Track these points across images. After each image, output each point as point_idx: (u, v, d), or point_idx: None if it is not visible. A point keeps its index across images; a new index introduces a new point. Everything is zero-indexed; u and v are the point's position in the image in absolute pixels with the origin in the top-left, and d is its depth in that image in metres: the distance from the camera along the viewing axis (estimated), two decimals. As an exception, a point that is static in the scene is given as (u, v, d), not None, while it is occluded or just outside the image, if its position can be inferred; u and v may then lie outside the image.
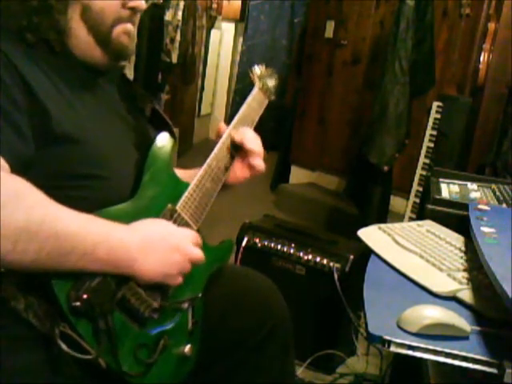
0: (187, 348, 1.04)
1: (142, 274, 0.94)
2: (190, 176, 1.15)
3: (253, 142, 1.18)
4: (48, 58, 0.99)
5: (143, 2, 1.06)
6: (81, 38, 1.01)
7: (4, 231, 0.80)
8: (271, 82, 1.32)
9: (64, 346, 0.87)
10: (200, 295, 1.10)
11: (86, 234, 0.88)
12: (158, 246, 0.96)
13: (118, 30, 1.04)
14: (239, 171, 1.21)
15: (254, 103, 1.28)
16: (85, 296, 0.88)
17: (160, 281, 0.98)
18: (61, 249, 0.85)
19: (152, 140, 1.08)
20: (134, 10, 1.05)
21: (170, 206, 1.05)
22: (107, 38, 1.03)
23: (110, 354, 0.90)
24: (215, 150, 1.17)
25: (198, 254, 1.03)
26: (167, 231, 1.00)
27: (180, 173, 1.15)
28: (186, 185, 1.10)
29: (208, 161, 1.15)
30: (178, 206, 1.07)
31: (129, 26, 1.05)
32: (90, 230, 0.89)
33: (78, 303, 0.87)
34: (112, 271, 0.91)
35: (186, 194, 1.09)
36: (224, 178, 1.18)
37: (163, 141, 1.09)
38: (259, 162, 1.18)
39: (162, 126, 1.14)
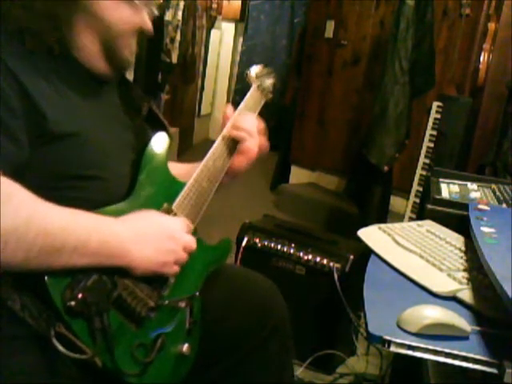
0: (185, 347, 1.04)
1: (137, 263, 0.94)
2: (187, 171, 1.15)
3: (244, 123, 1.19)
4: (47, 59, 0.98)
5: (151, 25, 1.08)
6: (87, 47, 1.02)
7: None
8: (268, 81, 1.33)
9: (59, 346, 0.87)
10: (197, 294, 1.10)
11: (75, 228, 0.87)
12: (150, 233, 0.96)
13: (124, 45, 1.05)
14: (234, 161, 1.21)
15: (251, 102, 1.29)
16: (80, 295, 0.88)
17: (156, 270, 0.97)
18: (51, 246, 0.85)
19: (149, 139, 1.08)
20: (142, 31, 1.07)
21: (165, 205, 1.05)
22: (114, 51, 1.04)
23: (106, 354, 0.90)
24: (212, 149, 1.17)
25: (191, 240, 1.02)
26: (158, 220, 1.00)
27: (176, 168, 1.15)
28: (182, 184, 1.11)
29: (204, 160, 1.15)
30: (174, 206, 1.07)
31: (133, 43, 1.07)
32: (78, 223, 0.88)
33: (72, 302, 0.87)
34: (106, 264, 0.91)
35: (182, 193, 1.09)
36: (221, 178, 1.18)
37: (159, 141, 1.09)
38: (251, 143, 1.19)
39: (158, 126, 1.14)
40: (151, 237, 0.96)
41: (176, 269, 1.00)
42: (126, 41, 1.05)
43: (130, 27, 1.04)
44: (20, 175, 0.87)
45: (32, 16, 0.96)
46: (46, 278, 0.87)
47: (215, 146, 1.18)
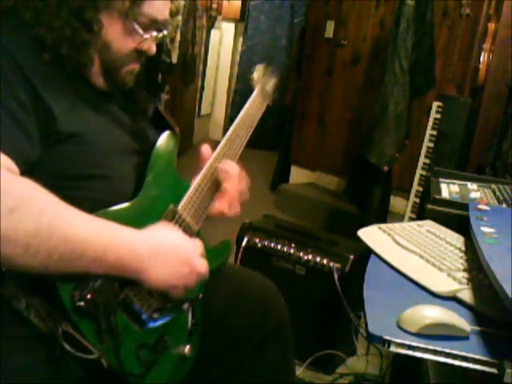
0: (187, 349, 1.05)
1: (148, 281, 0.94)
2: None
3: (231, 183, 1.14)
4: (54, 67, 0.98)
5: (154, 47, 1.08)
6: (90, 64, 1.02)
7: (15, 236, 0.80)
8: (271, 83, 1.32)
9: (67, 346, 0.87)
10: (201, 296, 1.10)
11: (97, 238, 0.88)
12: (168, 256, 0.96)
13: (126, 69, 1.06)
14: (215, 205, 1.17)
15: (254, 105, 1.28)
16: (89, 296, 0.88)
17: (164, 290, 0.98)
18: (71, 253, 0.85)
19: (154, 141, 1.08)
20: (144, 53, 1.07)
21: (171, 206, 1.05)
22: (115, 75, 1.05)
23: (111, 354, 0.91)
24: (215, 152, 1.17)
25: (205, 268, 1.02)
26: (178, 241, 0.99)
27: None
28: (187, 185, 1.11)
29: (209, 162, 1.15)
30: (180, 207, 1.07)
31: (136, 67, 1.08)
32: (100, 234, 0.89)
33: (82, 303, 0.88)
34: (119, 275, 0.91)
35: (188, 195, 1.09)
36: None
37: (166, 141, 1.09)
38: (224, 206, 1.14)
39: (164, 126, 1.14)
40: (168, 259, 0.96)
41: (182, 292, 1.00)
42: (126, 63, 1.05)
43: (128, 49, 1.04)
44: (29, 174, 0.88)
45: (58, 40, 0.96)
46: (55, 278, 0.87)
47: (217, 151, 1.18)
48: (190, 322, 1.07)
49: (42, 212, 0.83)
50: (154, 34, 1.06)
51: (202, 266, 1.01)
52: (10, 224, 0.80)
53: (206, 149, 1.18)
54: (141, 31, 1.03)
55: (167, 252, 0.96)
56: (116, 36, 1.01)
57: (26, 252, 0.81)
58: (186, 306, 1.05)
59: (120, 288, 0.93)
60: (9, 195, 0.81)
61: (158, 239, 0.96)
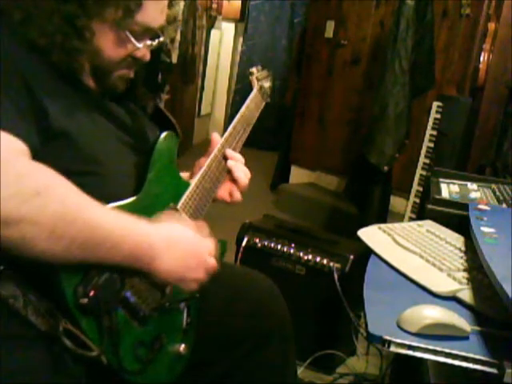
0: (182, 347, 1.05)
1: (160, 272, 0.95)
2: (187, 177, 1.16)
3: (240, 171, 1.19)
4: (47, 63, 0.98)
5: (148, 55, 1.07)
6: (80, 70, 1.02)
7: (41, 218, 0.80)
8: (267, 84, 1.35)
9: (68, 343, 0.87)
10: (197, 295, 1.10)
11: (116, 225, 0.89)
12: (180, 247, 0.97)
13: (118, 75, 1.06)
14: (221, 191, 1.20)
15: (252, 105, 1.30)
16: (92, 293, 0.89)
17: (175, 282, 0.99)
18: (93, 239, 0.86)
19: (154, 138, 1.08)
20: (138, 60, 1.06)
21: (171, 205, 1.06)
22: (106, 79, 1.05)
23: (111, 351, 0.91)
24: (215, 151, 1.17)
25: (214, 263, 1.04)
26: (191, 235, 1.01)
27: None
28: (187, 184, 1.11)
29: (208, 162, 1.16)
30: (179, 206, 1.07)
31: (129, 73, 1.08)
32: (118, 221, 0.90)
33: (85, 300, 0.88)
34: (132, 265, 0.92)
35: (187, 193, 1.10)
36: (223, 179, 1.18)
37: (167, 138, 1.09)
38: (237, 195, 1.20)
39: (166, 124, 1.14)
40: (180, 250, 0.97)
41: (195, 286, 1.02)
42: (118, 69, 1.05)
43: (120, 56, 1.03)
44: None
45: (49, 45, 0.96)
46: (60, 273, 0.87)
47: (217, 149, 1.18)
48: (185, 322, 1.08)
49: (67, 197, 0.84)
50: (148, 42, 1.05)
51: (211, 260, 1.03)
52: (35, 207, 0.80)
53: (215, 136, 1.20)
54: (133, 40, 1.02)
55: (180, 243, 0.98)
56: (108, 44, 1.01)
57: (50, 235, 0.81)
58: (182, 305, 1.06)
59: (122, 285, 0.93)
60: (32, 179, 0.81)
61: (172, 230, 0.98)
